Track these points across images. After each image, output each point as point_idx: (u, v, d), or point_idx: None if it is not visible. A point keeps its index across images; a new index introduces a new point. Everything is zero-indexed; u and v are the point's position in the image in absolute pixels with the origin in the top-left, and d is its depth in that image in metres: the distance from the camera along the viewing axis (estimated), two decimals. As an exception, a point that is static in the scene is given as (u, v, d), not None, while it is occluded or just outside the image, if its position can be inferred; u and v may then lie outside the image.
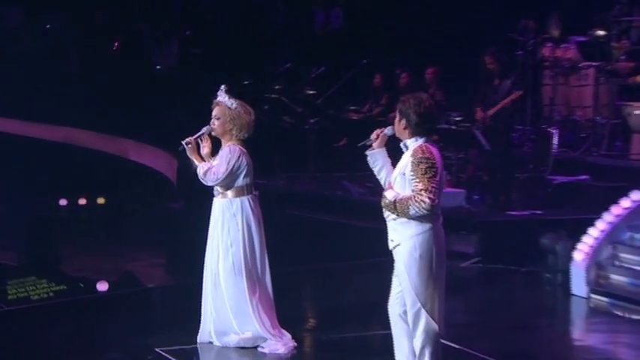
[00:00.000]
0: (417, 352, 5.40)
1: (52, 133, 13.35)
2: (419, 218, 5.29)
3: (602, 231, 8.24)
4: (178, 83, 13.36)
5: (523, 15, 11.97)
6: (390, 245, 5.45)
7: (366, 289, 7.91)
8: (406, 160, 5.37)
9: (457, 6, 13.20)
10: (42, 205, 12.18)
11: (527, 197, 10.17)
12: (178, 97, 12.85)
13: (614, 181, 9.96)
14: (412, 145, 5.38)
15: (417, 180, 5.26)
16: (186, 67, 14.08)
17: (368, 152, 5.58)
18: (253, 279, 6.53)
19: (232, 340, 6.56)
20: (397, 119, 5.45)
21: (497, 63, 10.13)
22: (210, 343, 6.61)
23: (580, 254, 8.23)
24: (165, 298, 8.33)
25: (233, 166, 6.47)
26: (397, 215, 5.33)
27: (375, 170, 5.59)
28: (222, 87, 6.61)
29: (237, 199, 6.53)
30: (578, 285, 8.13)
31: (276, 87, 12.80)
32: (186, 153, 6.63)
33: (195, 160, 6.60)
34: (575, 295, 8.14)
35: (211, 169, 6.51)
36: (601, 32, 11.45)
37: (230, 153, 6.49)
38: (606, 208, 8.38)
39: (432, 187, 5.24)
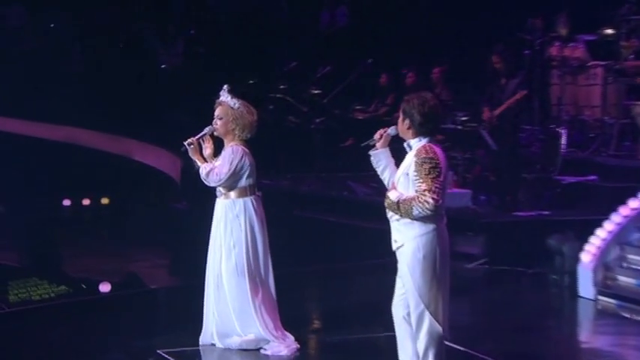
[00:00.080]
0: (421, 354, 5.36)
1: (55, 132, 13.33)
2: (422, 219, 5.25)
3: (610, 232, 8.21)
4: (182, 83, 13.33)
5: (531, 14, 11.90)
6: (394, 246, 5.41)
7: (371, 290, 7.87)
8: (410, 160, 5.33)
9: (464, 5, 13.13)
10: (45, 206, 12.16)
11: (534, 198, 10.13)
12: (182, 97, 12.82)
13: (623, 181, 9.91)
14: (416, 145, 5.34)
15: (421, 180, 5.22)
16: (191, 67, 14.04)
17: (371, 152, 5.56)
18: (256, 280, 6.50)
19: (235, 341, 6.52)
20: (401, 119, 5.42)
21: (504, 62, 10.08)
22: (213, 344, 6.57)
23: (587, 255, 8.19)
24: (168, 299, 8.30)
25: (236, 167, 6.43)
26: (401, 216, 5.30)
27: (379, 170, 5.57)
28: (225, 87, 6.58)
29: (240, 199, 6.49)
30: (586, 286, 8.09)
31: (282, 86, 12.78)
32: (188, 154, 6.58)
33: (197, 161, 6.56)
34: (582, 297, 8.10)
35: (214, 169, 6.47)
36: (610, 31, 11.38)
37: (233, 153, 6.45)
38: (614, 209, 8.33)
39: (436, 187, 5.20)
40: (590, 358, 6.91)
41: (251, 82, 12.64)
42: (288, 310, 6.70)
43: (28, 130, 13.22)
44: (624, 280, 7.97)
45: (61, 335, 7.13)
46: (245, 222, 6.46)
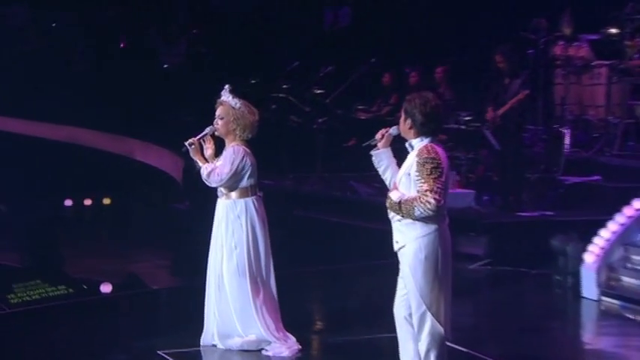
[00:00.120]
0: (422, 355, 5.34)
1: (57, 132, 13.32)
2: (424, 219, 5.22)
3: (614, 232, 8.19)
4: (185, 82, 13.30)
5: (535, 13, 11.86)
6: (395, 247, 5.39)
7: (373, 291, 7.85)
8: (411, 160, 5.31)
9: (468, 4, 13.09)
10: (47, 206, 12.14)
11: (537, 198, 10.11)
12: (185, 97, 12.79)
13: (627, 181, 9.89)
14: (417, 145, 5.31)
15: (423, 180, 5.19)
16: (193, 67, 14.02)
17: (373, 152, 5.53)
18: (257, 281, 6.47)
19: (236, 343, 6.49)
20: (402, 119, 5.39)
21: (508, 62, 10.04)
22: (214, 345, 6.54)
23: (591, 256, 8.16)
24: (170, 300, 8.28)
25: (237, 167, 6.40)
26: (402, 216, 5.27)
27: (380, 170, 5.54)
28: (226, 86, 6.55)
29: (242, 200, 6.46)
30: (589, 287, 8.06)
31: (284, 86, 12.73)
32: (189, 154, 6.55)
33: (198, 161, 6.53)
34: (586, 298, 8.07)
35: (215, 170, 6.44)
36: (614, 30, 11.36)
37: (234, 154, 6.42)
38: (618, 210, 8.30)
39: (438, 187, 5.17)
40: (593, 359, 6.88)
41: (253, 81, 12.60)
42: (290, 311, 6.68)
43: (30, 130, 13.21)
44: (628, 280, 7.95)
45: (62, 336, 7.13)
46: (246, 222, 6.43)
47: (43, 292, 8.07)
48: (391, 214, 5.34)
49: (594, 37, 11.66)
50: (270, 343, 6.45)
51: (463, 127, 10.61)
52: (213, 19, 15.01)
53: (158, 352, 6.48)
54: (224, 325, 6.48)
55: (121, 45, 14.11)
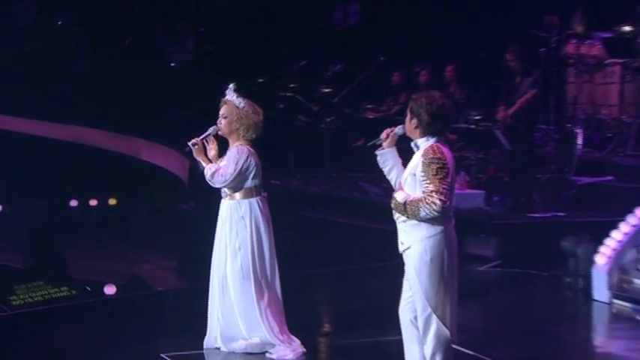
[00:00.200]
0: (428, 358, 5.30)
1: (62, 132, 13.28)
2: (430, 220, 5.17)
3: (626, 234, 8.11)
4: (192, 81, 13.24)
5: (547, 11, 11.76)
6: (400, 248, 5.33)
7: (379, 293, 7.76)
8: (417, 160, 5.26)
9: (479, 2, 12.98)
10: (52, 206, 12.10)
11: (549, 199, 10.04)
12: (191, 96, 12.72)
13: (640, 182, 9.78)
14: (423, 144, 5.26)
15: (428, 181, 5.14)
16: (200, 65, 13.96)
17: (378, 152, 5.49)
18: (262, 283, 6.41)
19: (240, 345, 6.43)
20: (408, 118, 5.35)
21: (519, 60, 9.95)
22: (217, 348, 6.49)
23: (602, 258, 8.07)
24: (173, 302, 8.22)
25: (241, 167, 6.33)
26: (407, 217, 5.22)
27: (385, 170, 5.49)
28: (231, 85, 6.49)
29: (246, 200, 6.39)
30: (600, 290, 7.97)
31: (292, 85, 12.68)
32: (192, 154, 6.48)
33: (202, 162, 6.45)
34: (597, 301, 7.98)
35: (219, 170, 6.37)
36: (627, 28, 11.28)
37: (238, 154, 6.35)
38: (631, 211, 8.22)
39: (443, 188, 5.11)
40: (604, 363, 6.81)
41: (261, 80, 12.54)
42: (295, 313, 6.61)
43: (35, 129, 13.17)
44: (640, 283, 7.85)
45: (64, 338, 7.08)
46: (250, 223, 6.37)
47: (45, 293, 8.04)
48: (396, 215, 5.29)
49: (607, 35, 11.57)
50: (274, 345, 6.39)
51: (473, 126, 10.53)
52: (220, 18, 14.95)
53: (161, 354, 6.44)
54: (228, 328, 6.42)
55: (128, 43, 14.04)
